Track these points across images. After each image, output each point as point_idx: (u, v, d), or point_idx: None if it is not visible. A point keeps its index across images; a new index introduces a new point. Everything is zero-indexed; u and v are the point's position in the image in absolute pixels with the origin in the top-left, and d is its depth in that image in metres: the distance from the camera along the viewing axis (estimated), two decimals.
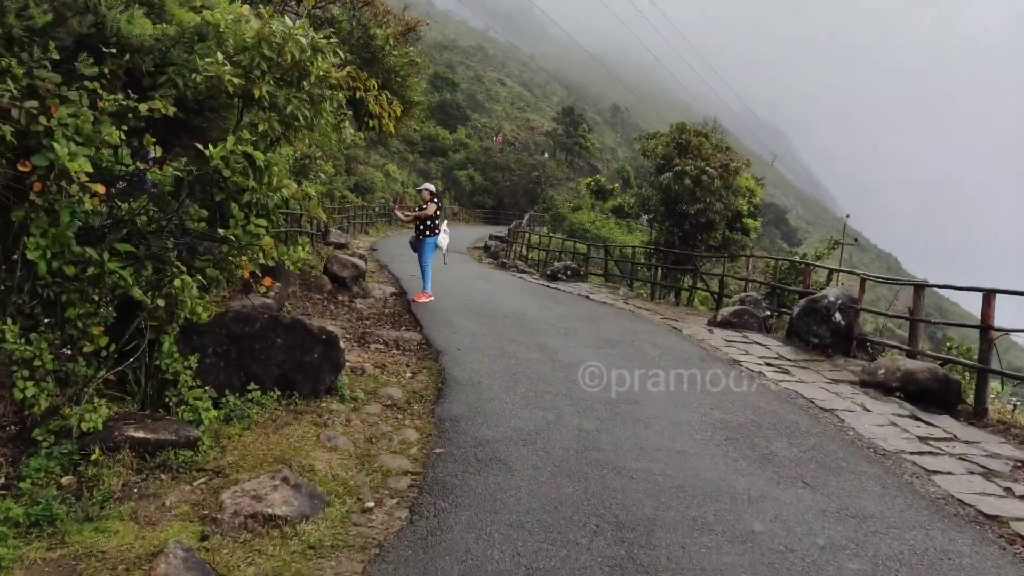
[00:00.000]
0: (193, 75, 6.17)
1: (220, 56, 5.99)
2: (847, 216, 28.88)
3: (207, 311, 5.40)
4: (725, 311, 12.32)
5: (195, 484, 4.55)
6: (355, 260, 14.08)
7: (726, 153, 18.29)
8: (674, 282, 18.64)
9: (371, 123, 11.11)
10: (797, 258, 15.41)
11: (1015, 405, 9.11)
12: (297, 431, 5.45)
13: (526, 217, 40.49)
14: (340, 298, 12.81)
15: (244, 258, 5.78)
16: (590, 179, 27.92)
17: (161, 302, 5.30)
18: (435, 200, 12.55)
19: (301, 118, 6.23)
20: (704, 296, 18.08)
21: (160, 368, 5.44)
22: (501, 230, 37.70)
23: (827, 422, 6.96)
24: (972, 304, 9.56)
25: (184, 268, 5.52)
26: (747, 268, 14.79)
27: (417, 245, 12.80)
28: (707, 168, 17.23)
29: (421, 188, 12.91)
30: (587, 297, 16.16)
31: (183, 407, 5.22)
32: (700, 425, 6.49)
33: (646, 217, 27.66)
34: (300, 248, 5.83)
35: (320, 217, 6.77)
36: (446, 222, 12.87)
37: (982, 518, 4.93)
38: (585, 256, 24.18)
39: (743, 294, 13.33)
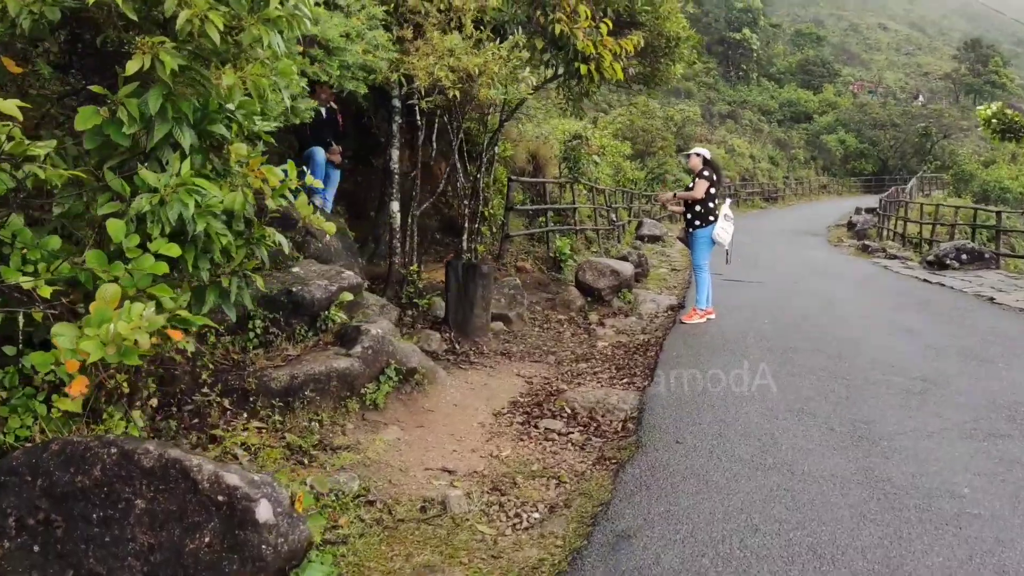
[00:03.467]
0: None
1: None
2: None
3: None
4: None
5: None
6: (617, 265, 10.49)
7: None
8: None
9: (583, 68, 7.44)
10: None
11: None
12: None
13: (912, 181, 32.21)
14: (589, 318, 9.41)
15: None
16: (989, 109, 19.36)
17: None
18: (707, 173, 8.35)
19: (214, 40, 2.96)
20: None
21: None
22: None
23: None
24: None
25: None
26: None
27: (687, 239, 8.79)
28: None
29: (689, 153, 8.79)
30: (991, 300, 10.28)
31: None
32: None
33: None
34: (193, 305, 2.63)
35: (325, 229, 3.40)
36: (728, 203, 8.55)
37: None
38: (995, 229, 17.05)
39: None
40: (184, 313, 3.21)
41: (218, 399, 4.29)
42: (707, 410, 5.19)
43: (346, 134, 8.27)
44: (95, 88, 3.12)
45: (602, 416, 5.41)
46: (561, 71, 7.55)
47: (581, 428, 5.21)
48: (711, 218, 8.34)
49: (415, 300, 7.68)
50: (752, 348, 6.99)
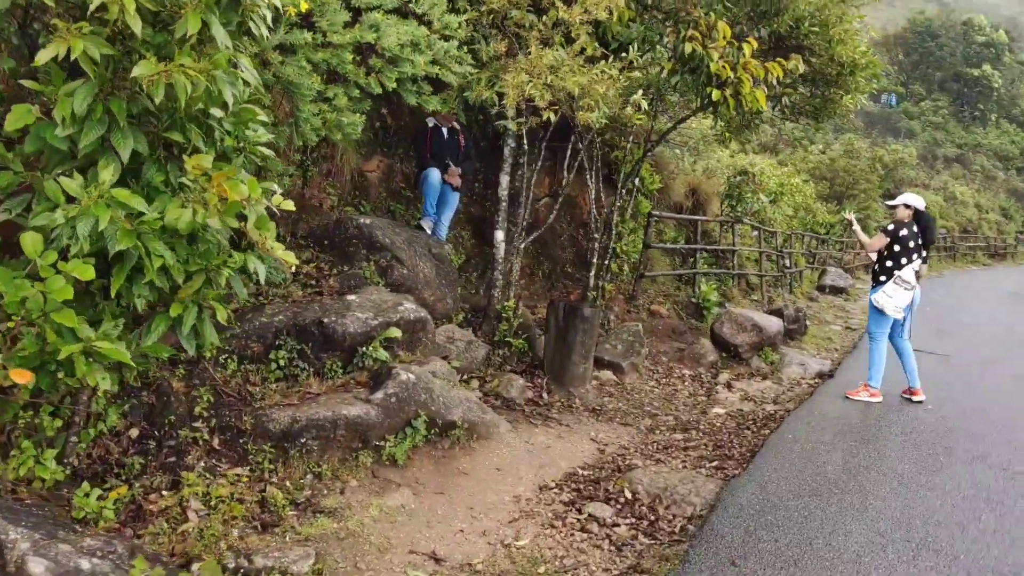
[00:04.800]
0: None
1: None
2: None
3: None
4: None
5: None
6: (761, 319, 9.21)
7: None
8: None
9: (715, 94, 6.44)
10: None
11: None
12: None
13: None
14: (718, 377, 8.30)
15: None
16: None
17: None
18: (891, 227, 7.00)
19: (134, 29, 2.55)
20: None
21: None
22: None
23: None
24: None
25: None
26: None
27: None
28: None
29: (895, 204, 7.33)
30: None
31: None
32: None
33: None
34: None
35: (287, 260, 2.85)
36: (912, 266, 6.91)
37: None
38: None
39: None
40: (104, 346, 2.82)
41: (206, 437, 3.90)
42: (795, 523, 4.07)
43: (467, 156, 7.83)
44: (28, 83, 2.83)
45: (665, 508, 4.45)
46: (694, 98, 6.63)
47: (632, 521, 4.29)
48: (882, 278, 6.96)
49: (508, 339, 7.04)
50: (893, 442, 5.60)
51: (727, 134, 10.26)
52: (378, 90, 4.50)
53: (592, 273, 8.96)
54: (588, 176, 9.04)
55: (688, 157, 13.13)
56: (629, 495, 4.60)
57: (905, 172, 33.09)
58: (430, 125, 7.42)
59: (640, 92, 5.92)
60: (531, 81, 5.53)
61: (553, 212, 8.01)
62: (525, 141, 7.03)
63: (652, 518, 4.33)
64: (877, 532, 3.99)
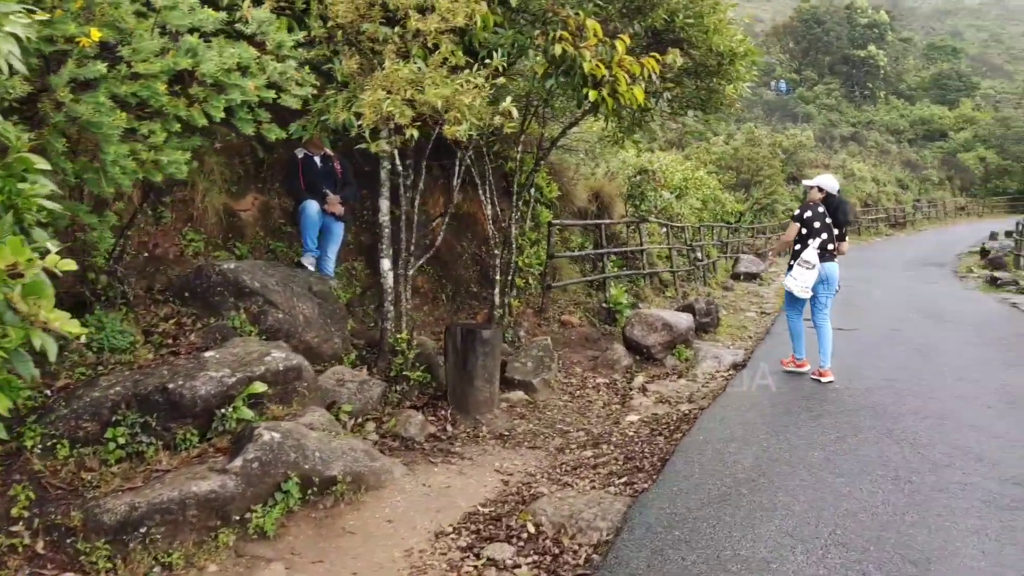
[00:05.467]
0: None
1: None
2: None
3: None
4: None
5: None
6: (671, 317, 9.06)
7: None
8: None
9: (592, 95, 6.24)
10: None
11: None
12: None
13: None
14: (633, 382, 8.07)
15: None
16: None
17: None
18: (797, 212, 7.31)
19: None
20: None
21: None
22: None
23: None
24: None
25: None
26: None
27: None
28: None
29: (810, 185, 7.49)
30: None
31: None
32: None
33: None
34: None
35: (70, 332, 2.37)
36: (815, 244, 7.00)
37: None
38: None
39: None
40: None
41: (27, 542, 3.37)
42: (703, 535, 3.80)
43: (347, 182, 7.41)
44: None
45: (570, 538, 4.13)
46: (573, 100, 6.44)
47: (536, 558, 3.95)
48: (792, 261, 7.19)
49: (405, 373, 6.63)
50: (804, 429, 5.44)
51: (619, 134, 10.14)
52: (203, 122, 4.07)
53: (497, 291, 8.66)
54: (481, 191, 8.76)
55: (589, 161, 13.00)
56: (532, 529, 4.26)
57: (805, 155, 34.16)
58: (300, 156, 7.03)
59: (509, 99, 5.64)
60: (388, 98, 5.19)
61: (442, 232, 7.65)
62: (399, 162, 6.67)
63: (556, 551, 4.00)
64: (786, 532, 3.76)
